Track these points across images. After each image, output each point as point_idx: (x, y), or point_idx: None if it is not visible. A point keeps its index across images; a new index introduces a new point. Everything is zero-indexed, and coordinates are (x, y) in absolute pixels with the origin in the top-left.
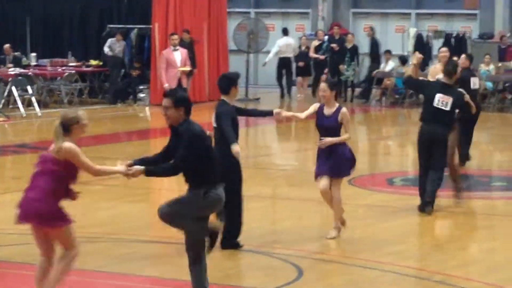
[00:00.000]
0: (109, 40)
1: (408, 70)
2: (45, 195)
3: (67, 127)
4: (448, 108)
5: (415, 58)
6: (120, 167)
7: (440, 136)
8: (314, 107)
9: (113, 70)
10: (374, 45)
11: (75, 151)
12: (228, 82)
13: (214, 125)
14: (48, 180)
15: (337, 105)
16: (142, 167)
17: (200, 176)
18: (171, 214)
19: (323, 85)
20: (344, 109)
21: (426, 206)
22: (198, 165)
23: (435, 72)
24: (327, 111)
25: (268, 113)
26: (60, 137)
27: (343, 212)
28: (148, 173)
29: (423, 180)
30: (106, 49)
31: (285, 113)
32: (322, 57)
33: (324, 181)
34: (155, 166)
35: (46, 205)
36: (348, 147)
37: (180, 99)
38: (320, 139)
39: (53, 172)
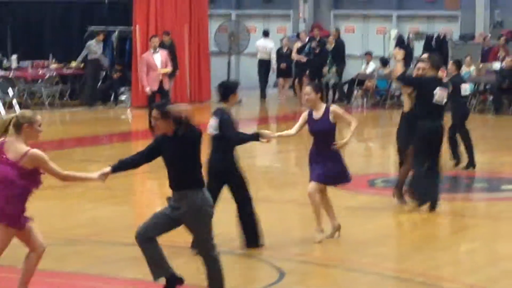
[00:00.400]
0: (88, 43)
1: (396, 68)
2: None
3: (19, 125)
4: (443, 103)
5: (399, 54)
6: (93, 174)
7: (441, 132)
8: (303, 117)
9: (92, 72)
10: (340, 46)
11: (43, 157)
12: (226, 90)
13: (213, 132)
14: (9, 187)
15: (324, 106)
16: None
17: (200, 175)
18: None
19: (307, 89)
20: (332, 107)
21: (436, 204)
22: (199, 164)
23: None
24: (316, 114)
25: (254, 137)
26: (6, 130)
27: (334, 216)
28: None
29: (431, 179)
30: (85, 52)
31: (274, 135)
32: (304, 59)
33: (313, 185)
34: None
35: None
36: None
37: (166, 111)
38: (314, 144)
39: (13, 178)
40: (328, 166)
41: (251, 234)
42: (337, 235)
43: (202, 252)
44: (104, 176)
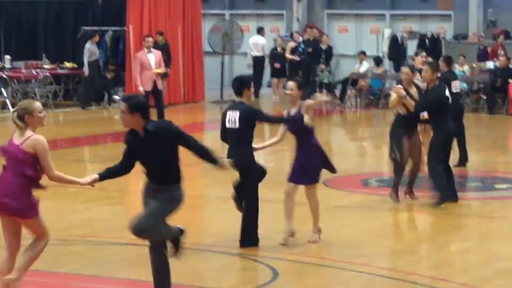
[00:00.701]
0: (88, 45)
1: (409, 103)
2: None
3: (21, 117)
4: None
5: (400, 91)
6: (83, 179)
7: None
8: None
9: (91, 73)
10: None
11: (44, 146)
12: (240, 85)
13: (234, 126)
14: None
15: (300, 102)
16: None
17: (179, 171)
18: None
19: (291, 84)
20: (306, 101)
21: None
22: (177, 159)
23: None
24: (293, 111)
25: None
26: (18, 124)
27: (318, 219)
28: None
29: (450, 176)
30: (87, 54)
31: (260, 145)
32: (297, 58)
33: (288, 185)
34: None
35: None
36: (315, 150)
37: (135, 105)
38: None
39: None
40: (295, 165)
41: (253, 233)
42: (289, 241)
43: (155, 243)
44: (92, 182)
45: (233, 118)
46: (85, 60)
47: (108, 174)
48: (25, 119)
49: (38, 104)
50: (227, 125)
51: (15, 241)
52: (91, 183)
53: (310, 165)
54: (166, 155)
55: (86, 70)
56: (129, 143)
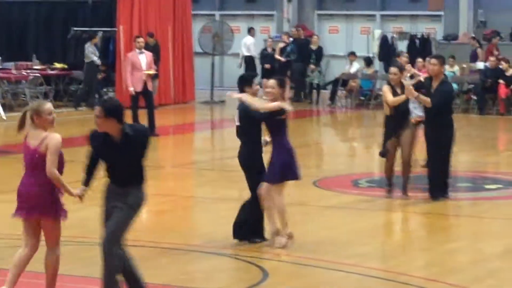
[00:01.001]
0: (89, 46)
1: (425, 100)
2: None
3: (31, 118)
4: None
5: (412, 92)
6: (75, 191)
7: None
8: None
9: (90, 74)
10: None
11: (56, 143)
12: (239, 83)
13: (237, 124)
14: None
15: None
16: None
17: (144, 172)
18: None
19: (272, 82)
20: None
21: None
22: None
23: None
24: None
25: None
26: (22, 124)
27: (283, 222)
28: None
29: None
30: (93, 56)
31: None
32: (283, 59)
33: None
34: None
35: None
36: (282, 151)
37: (110, 109)
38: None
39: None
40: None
41: (258, 228)
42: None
43: (107, 244)
44: (83, 195)
45: (236, 116)
46: (88, 57)
47: (91, 177)
48: (34, 119)
49: (47, 106)
50: (235, 122)
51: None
52: (81, 197)
53: (272, 164)
54: (138, 158)
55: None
56: (97, 147)
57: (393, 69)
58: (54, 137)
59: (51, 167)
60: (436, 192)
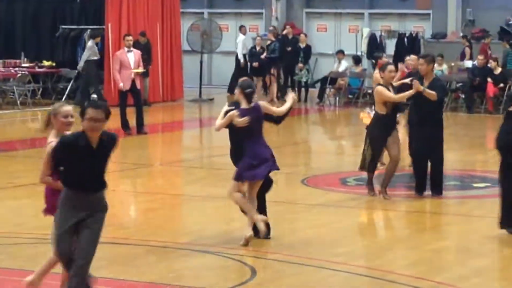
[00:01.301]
0: (91, 45)
1: (430, 94)
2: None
3: (48, 117)
4: None
5: (418, 86)
6: None
7: None
8: None
9: (91, 72)
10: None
11: (48, 148)
12: (231, 85)
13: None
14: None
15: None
16: None
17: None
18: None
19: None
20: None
21: None
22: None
23: (377, 79)
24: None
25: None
26: (43, 125)
27: (251, 216)
28: None
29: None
30: (87, 53)
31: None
32: (263, 56)
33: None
34: None
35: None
36: (245, 153)
37: (108, 113)
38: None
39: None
40: None
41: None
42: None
43: (86, 266)
44: None
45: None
46: (83, 59)
47: None
48: (50, 119)
49: (65, 109)
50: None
51: None
52: None
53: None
54: (107, 163)
55: (80, 66)
56: (67, 157)
57: (390, 67)
58: (50, 145)
59: (44, 176)
60: (421, 191)
